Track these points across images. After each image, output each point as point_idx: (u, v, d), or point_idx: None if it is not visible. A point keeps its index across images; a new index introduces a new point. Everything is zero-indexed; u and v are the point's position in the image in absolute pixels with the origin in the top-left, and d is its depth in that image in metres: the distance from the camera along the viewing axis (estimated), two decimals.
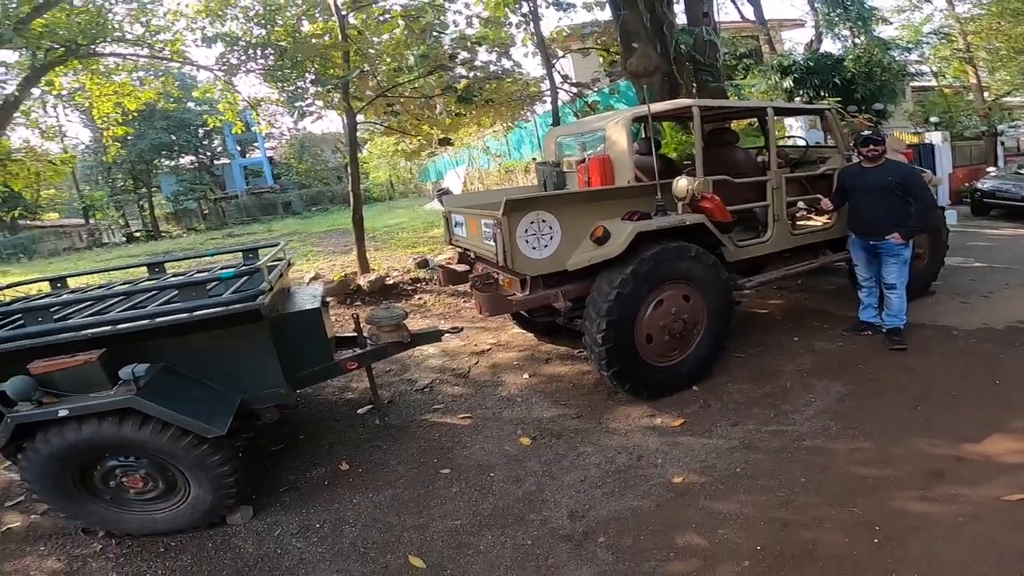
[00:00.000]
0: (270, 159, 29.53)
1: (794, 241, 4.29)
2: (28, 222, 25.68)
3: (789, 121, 10.03)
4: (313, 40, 7.70)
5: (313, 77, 7.67)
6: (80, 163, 24.79)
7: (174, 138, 25.46)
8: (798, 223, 4.76)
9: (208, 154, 27.96)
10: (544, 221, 3.35)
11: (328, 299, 4.03)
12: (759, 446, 2.93)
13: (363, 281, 6.96)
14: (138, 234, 25.08)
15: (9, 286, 3.92)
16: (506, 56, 8.49)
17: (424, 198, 22.69)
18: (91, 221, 25.74)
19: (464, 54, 7.86)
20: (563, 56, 9.28)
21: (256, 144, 29.31)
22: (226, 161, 28.65)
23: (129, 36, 7.76)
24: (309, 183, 27.88)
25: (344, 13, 7.37)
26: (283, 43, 7.64)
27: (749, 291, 4.62)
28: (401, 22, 8.24)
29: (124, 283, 3.73)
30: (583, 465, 2.92)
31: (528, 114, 11.40)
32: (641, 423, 3.29)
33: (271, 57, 7.89)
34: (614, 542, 2.35)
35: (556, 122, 8.18)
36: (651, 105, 3.69)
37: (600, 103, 9.69)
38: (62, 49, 7.11)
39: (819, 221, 4.75)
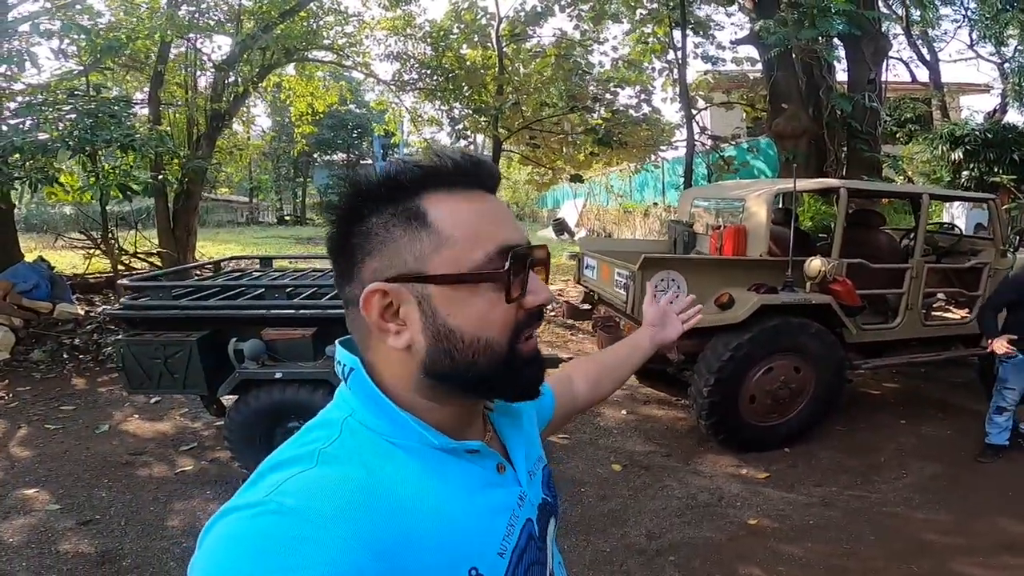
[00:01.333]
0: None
1: (924, 332, 4.24)
2: (205, 194, 30.16)
3: None
4: (478, 70, 8.62)
5: (469, 102, 8.57)
6: (269, 149, 28.74)
7: (332, 136, 28.60)
8: (933, 313, 4.67)
9: (357, 154, 31.00)
10: (673, 280, 3.71)
11: None
12: (837, 505, 3.09)
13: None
14: (288, 218, 28.47)
15: (232, 258, 4.96)
16: (646, 101, 8.90)
17: (538, 224, 23.52)
18: (254, 200, 29.58)
19: (607, 96, 8.37)
20: (705, 108, 9.49)
21: (396, 150, 32.04)
22: (369, 162, 31.60)
23: (330, 44, 9.15)
24: None
25: (503, 45, 8.20)
26: (449, 67, 8.63)
27: (864, 372, 4.60)
28: (553, 62, 8.98)
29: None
30: (666, 496, 3.21)
31: (657, 158, 11.69)
32: (727, 470, 3.52)
33: (437, 79, 8.94)
34: (683, 563, 2.64)
35: (688, 172, 8.40)
36: (798, 181, 3.91)
37: (736, 159, 9.76)
38: (284, 51, 8.66)
39: (957, 314, 4.63)
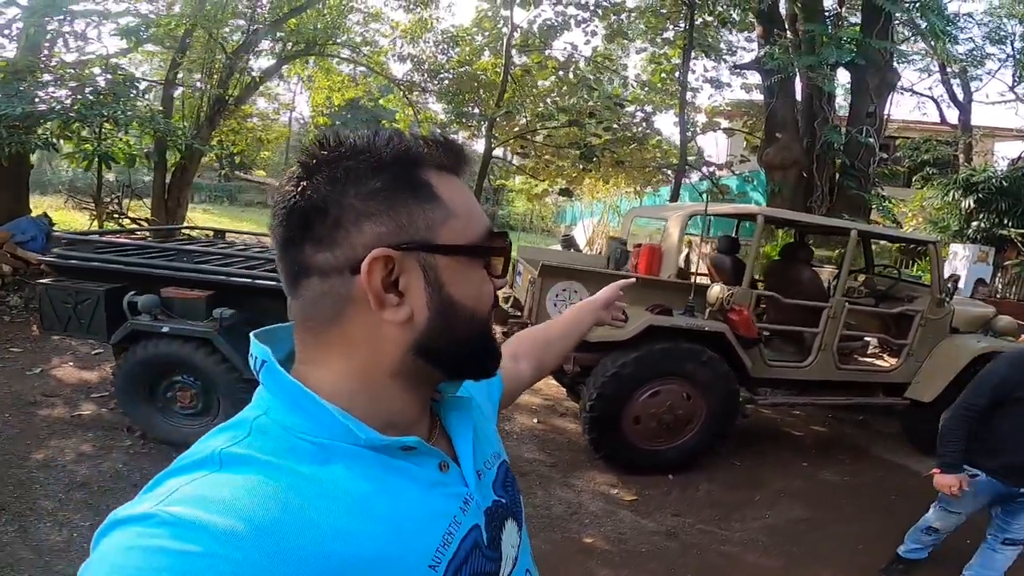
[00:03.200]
0: None
1: (838, 375, 4.12)
2: (240, 174, 31.32)
3: (956, 248, 8.89)
4: (478, 76, 8.81)
5: (461, 107, 8.76)
6: (299, 135, 29.76)
7: (346, 128, 29.31)
8: (862, 357, 4.53)
9: None
10: (576, 292, 3.72)
11: None
12: (680, 537, 3.05)
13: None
14: None
15: (191, 228, 5.20)
16: (646, 121, 8.90)
17: (553, 238, 23.55)
18: None
19: (606, 112, 8.40)
20: (701, 133, 9.42)
21: None
22: None
23: (347, 41, 9.52)
24: None
25: (512, 55, 8.35)
26: (452, 72, 8.85)
27: (768, 407, 4.52)
28: (556, 75, 9.09)
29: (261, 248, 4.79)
30: (524, 503, 3.20)
31: (661, 182, 11.63)
32: (599, 488, 3.49)
33: (445, 82, 9.17)
34: None
35: (675, 197, 8.35)
36: (714, 206, 3.90)
37: (731, 188, 9.65)
38: (303, 45, 9.03)
39: (887, 363, 4.48)
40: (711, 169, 9.53)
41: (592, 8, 8.34)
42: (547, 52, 8.96)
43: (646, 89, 10.07)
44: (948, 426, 2.37)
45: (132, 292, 3.37)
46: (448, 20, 20.02)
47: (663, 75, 9.35)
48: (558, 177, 9.61)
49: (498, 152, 10.72)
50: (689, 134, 9.00)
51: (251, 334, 0.55)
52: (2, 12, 6.49)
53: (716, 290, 3.60)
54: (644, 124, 9.03)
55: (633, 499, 3.40)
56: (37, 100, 5.67)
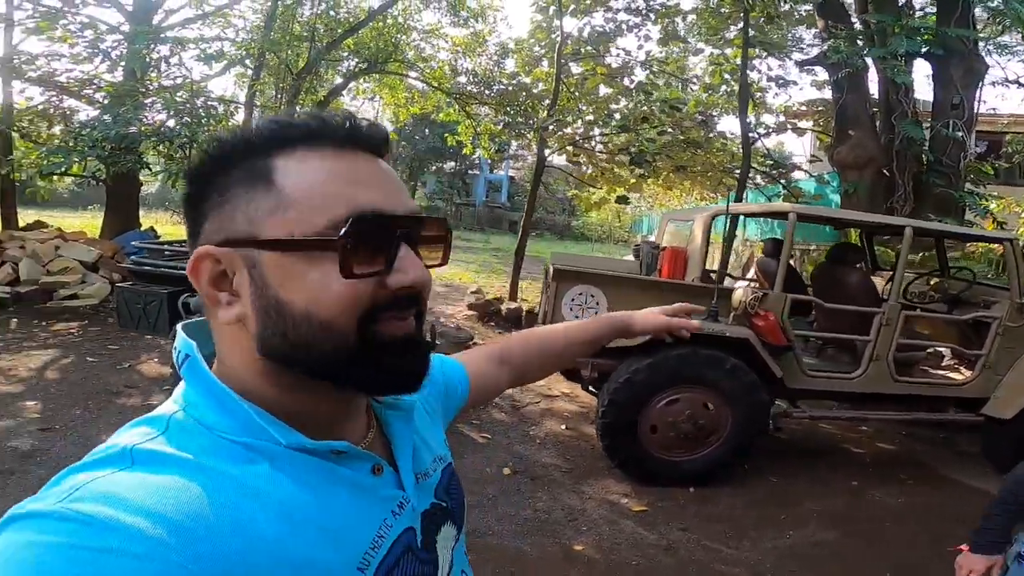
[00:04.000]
0: (511, 178, 33.16)
1: (895, 387, 3.74)
2: None
3: None
4: (530, 88, 8.92)
5: (514, 117, 8.89)
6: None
7: (443, 144, 30.49)
8: (926, 368, 4.09)
9: (465, 163, 32.70)
10: (592, 296, 3.68)
11: None
12: (679, 554, 2.88)
13: (504, 307, 7.84)
14: None
15: None
16: (705, 124, 8.54)
17: (628, 248, 23.11)
18: None
19: (661, 116, 8.19)
20: (768, 134, 8.90)
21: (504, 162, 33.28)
22: (476, 173, 33.11)
23: (407, 60, 10.05)
24: (536, 208, 30.67)
25: (564, 62, 8.38)
26: (505, 83, 9.02)
27: (806, 421, 4.19)
28: (611, 81, 8.99)
29: None
30: (525, 506, 3.20)
31: (730, 188, 11.10)
32: (607, 496, 3.40)
33: (498, 92, 9.38)
34: (473, 564, 2.66)
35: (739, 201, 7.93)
36: (739, 205, 3.72)
37: (804, 191, 9.02)
38: (365, 64, 9.64)
39: (961, 375, 4.01)
40: (780, 171, 8.96)
41: (644, 12, 8.21)
42: (602, 59, 8.92)
43: (709, 91, 9.70)
44: (1001, 497, 1.77)
45: (186, 294, 3.78)
46: (505, 32, 20.42)
47: (724, 76, 8.96)
48: (615, 185, 9.46)
49: (560, 161, 10.74)
50: (754, 135, 8.54)
51: (178, 326, 0.53)
52: (103, 38, 7.45)
53: (740, 293, 3.43)
54: (704, 127, 8.67)
55: (641, 509, 3.28)
56: (137, 123, 6.46)
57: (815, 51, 8.43)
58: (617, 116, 8.25)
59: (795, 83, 8.41)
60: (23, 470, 3.11)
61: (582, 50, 8.62)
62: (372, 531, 0.50)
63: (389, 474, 0.55)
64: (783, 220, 4.91)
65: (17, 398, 4.14)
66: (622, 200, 9.27)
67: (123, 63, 7.70)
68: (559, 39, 8.15)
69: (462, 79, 9.57)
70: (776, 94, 9.04)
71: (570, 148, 8.71)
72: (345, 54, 8.98)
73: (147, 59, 7.53)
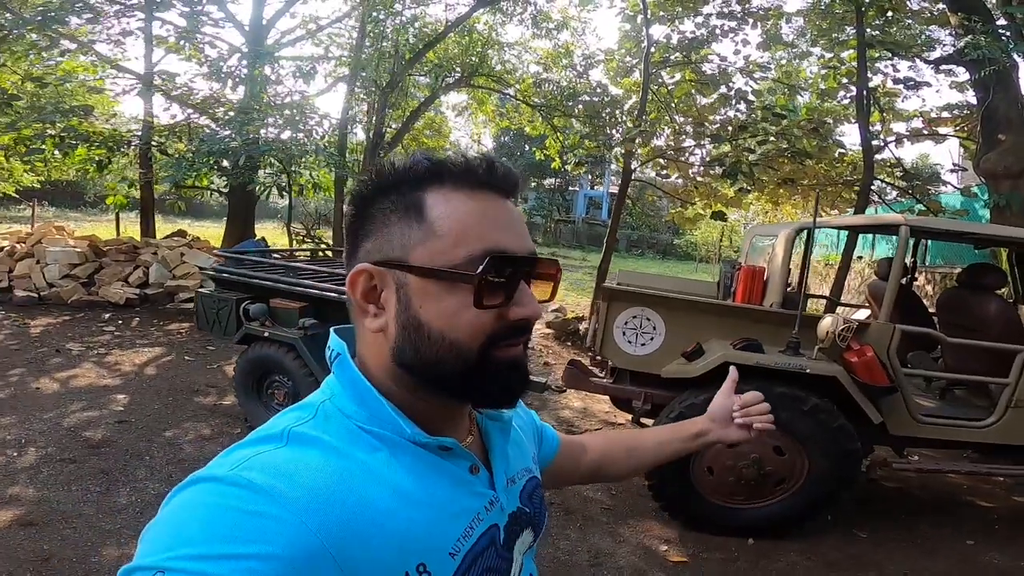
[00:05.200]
0: (613, 194, 32.53)
1: None
2: None
3: None
4: (620, 95, 8.58)
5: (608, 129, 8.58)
6: None
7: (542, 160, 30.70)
8: None
9: (565, 180, 32.64)
10: (649, 319, 3.30)
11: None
12: None
13: (583, 327, 7.50)
14: None
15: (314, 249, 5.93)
16: (815, 132, 7.62)
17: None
18: None
19: (761, 125, 7.45)
20: (893, 140, 7.77)
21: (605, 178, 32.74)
22: (576, 189, 32.91)
23: (492, 73, 10.20)
24: (638, 226, 29.67)
25: (652, 71, 7.97)
26: (589, 94, 8.77)
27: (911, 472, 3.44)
28: (704, 89, 8.38)
29: None
30: (550, 542, 2.88)
31: (851, 203, 9.86)
32: (646, 541, 2.98)
33: (580, 105, 9.17)
34: None
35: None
36: (828, 219, 3.16)
37: (946, 206, 7.75)
38: (454, 78, 9.92)
39: None
40: (915, 184, 7.77)
41: (740, 16, 7.56)
42: (696, 66, 8.36)
43: (824, 98, 8.73)
44: None
45: (247, 301, 3.94)
46: (594, 44, 20.04)
47: (842, 81, 7.99)
48: (712, 200, 8.77)
49: (654, 175, 10.25)
50: (878, 144, 7.50)
51: (331, 329, 0.62)
52: (224, 58, 8.25)
53: (827, 322, 2.87)
54: (816, 135, 7.75)
55: (681, 560, 2.83)
56: (254, 138, 7.05)
57: (949, 50, 7.26)
58: (699, 124, 7.63)
59: (928, 85, 7.17)
60: (84, 459, 3.36)
61: (671, 58, 8.14)
62: (465, 522, 0.56)
63: (484, 475, 0.61)
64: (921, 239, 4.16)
65: (111, 391, 4.56)
66: (718, 216, 8.55)
67: (242, 83, 8.51)
68: (646, 47, 7.77)
69: (547, 91, 9.46)
70: (906, 97, 7.87)
71: (660, 161, 8.24)
72: (427, 68, 9.26)
73: (261, 78, 8.27)
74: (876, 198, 8.50)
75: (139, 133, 8.47)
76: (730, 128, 7.66)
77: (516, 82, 10.15)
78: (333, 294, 3.72)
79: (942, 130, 8.15)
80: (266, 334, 3.74)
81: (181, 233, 10.07)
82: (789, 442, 2.91)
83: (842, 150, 8.49)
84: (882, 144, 7.43)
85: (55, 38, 7.66)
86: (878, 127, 7.72)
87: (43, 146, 7.58)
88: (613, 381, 3.46)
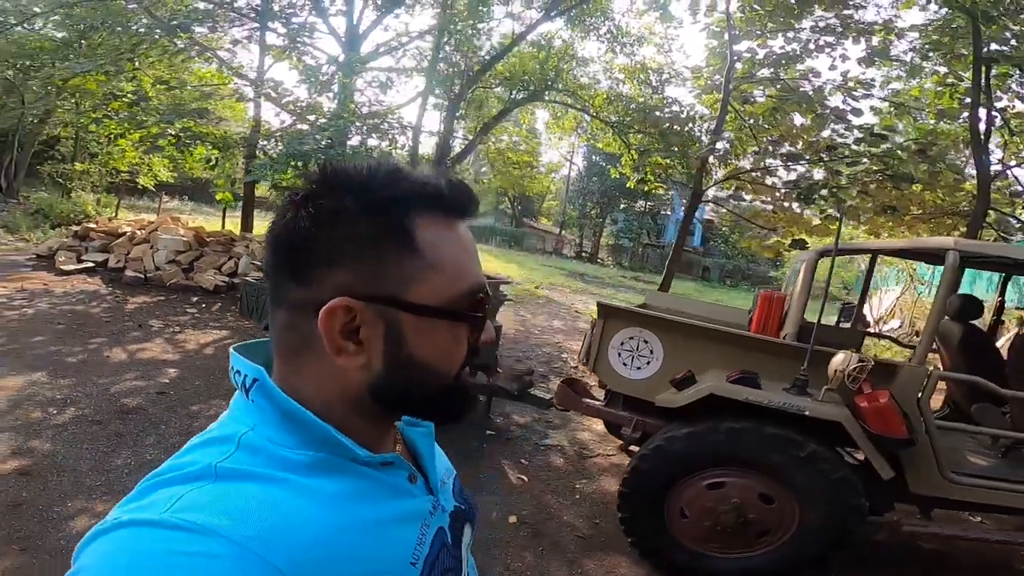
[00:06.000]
0: (709, 221, 31.02)
1: None
2: (528, 221, 35.67)
3: None
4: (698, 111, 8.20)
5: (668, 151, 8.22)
6: (575, 185, 32.34)
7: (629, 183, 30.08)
8: None
9: (655, 202, 31.66)
10: (647, 342, 3.07)
11: None
12: None
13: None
14: (584, 254, 31.08)
15: None
16: (922, 155, 6.73)
17: (836, 306, 19.49)
18: (562, 233, 33.39)
19: (852, 146, 6.70)
20: (1016, 166, 6.67)
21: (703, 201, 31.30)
22: (669, 213, 31.79)
23: (566, 88, 10.19)
24: (735, 255, 28.03)
25: (732, 87, 7.52)
26: (663, 110, 8.46)
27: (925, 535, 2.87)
28: (801, 116, 7.75)
29: None
30: (501, 562, 2.73)
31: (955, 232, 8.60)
32: None
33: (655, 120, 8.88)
34: None
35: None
36: (848, 244, 2.76)
37: None
38: (527, 92, 10.04)
39: None
40: None
41: (839, 31, 6.89)
42: (790, 83, 7.76)
43: (941, 118, 7.74)
44: None
45: None
46: (681, 61, 19.30)
47: (961, 99, 7.01)
48: (793, 226, 8.04)
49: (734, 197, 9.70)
50: (997, 167, 6.50)
51: (232, 349, 0.57)
52: (321, 66, 8.90)
53: (838, 360, 2.50)
54: (924, 158, 6.86)
55: None
56: (339, 143, 7.56)
57: None
58: (774, 142, 7.04)
59: None
60: (108, 422, 3.72)
61: (756, 74, 7.63)
62: (416, 530, 0.56)
63: (420, 481, 0.60)
64: None
65: (167, 365, 5.04)
66: (797, 244, 7.83)
67: (335, 92, 9.18)
68: (727, 62, 7.35)
69: (619, 106, 9.27)
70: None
71: (741, 181, 7.70)
72: (497, 82, 9.40)
73: (351, 87, 8.87)
74: (998, 231, 7.36)
75: (247, 136, 9.42)
76: (814, 148, 7.01)
77: (589, 98, 10.05)
78: None
79: None
80: None
81: None
82: (779, 490, 2.55)
83: (958, 176, 7.47)
84: (1001, 169, 6.40)
85: (186, 45, 8.71)
86: (999, 152, 6.69)
87: (163, 144, 8.62)
88: (607, 404, 3.25)
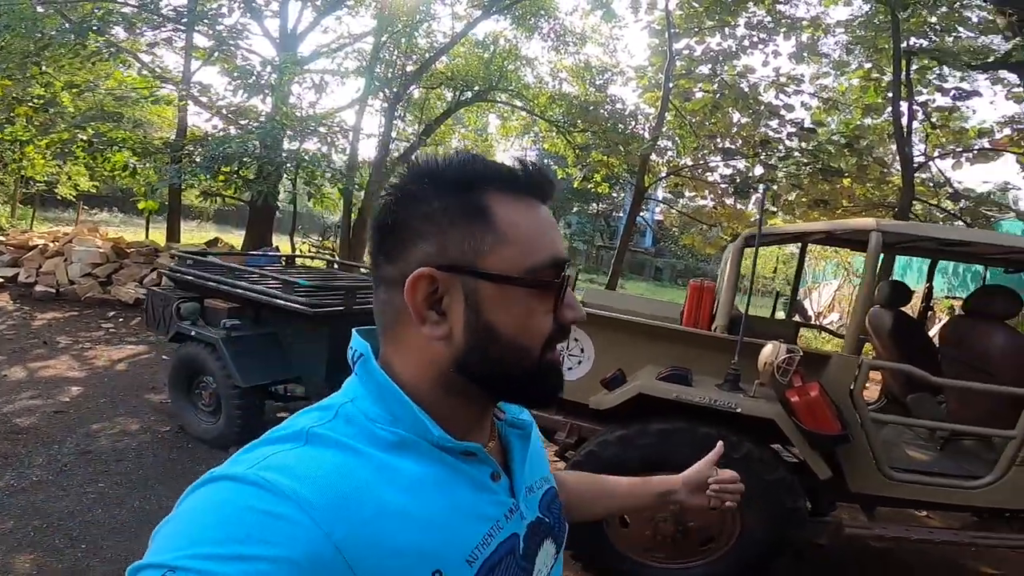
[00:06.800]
0: (660, 222, 31.61)
1: None
2: None
3: None
4: (630, 115, 8.22)
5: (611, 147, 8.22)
6: None
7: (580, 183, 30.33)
8: None
9: (610, 204, 32.03)
10: (577, 340, 2.90)
11: None
12: None
13: None
14: None
15: (290, 257, 5.87)
16: (849, 149, 6.92)
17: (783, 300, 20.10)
18: None
19: (791, 142, 6.83)
20: (937, 157, 6.95)
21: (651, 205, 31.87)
22: (621, 215, 32.23)
23: (506, 88, 10.09)
24: (684, 255, 28.60)
25: (671, 85, 7.56)
26: (604, 107, 8.44)
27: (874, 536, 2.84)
28: (740, 113, 7.86)
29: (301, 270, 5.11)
30: None
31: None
32: None
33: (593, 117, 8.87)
34: None
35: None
36: (769, 227, 2.69)
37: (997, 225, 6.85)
38: (471, 93, 9.86)
39: None
40: (965, 206, 6.92)
41: (771, 27, 7.03)
42: (727, 81, 7.87)
43: (869, 113, 8.00)
44: None
45: (179, 300, 3.84)
46: (625, 60, 19.53)
47: (885, 94, 7.26)
48: (735, 221, 8.15)
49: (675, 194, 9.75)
50: (920, 159, 6.73)
51: (354, 330, 0.60)
52: (253, 68, 8.48)
53: (767, 351, 2.39)
54: (851, 152, 7.05)
55: None
56: (270, 147, 7.18)
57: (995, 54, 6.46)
58: (710, 137, 7.12)
59: (978, 95, 6.39)
60: None
61: (694, 71, 7.70)
62: (484, 529, 0.56)
63: (504, 482, 0.60)
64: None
65: (70, 383, 4.58)
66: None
67: (269, 94, 8.76)
68: (667, 59, 7.39)
69: (561, 105, 9.22)
70: (953, 110, 7.04)
71: (673, 178, 7.75)
72: (438, 82, 9.19)
73: (286, 89, 8.48)
74: (925, 221, 7.66)
75: (170, 141, 8.87)
76: (750, 144, 7.11)
77: (534, 97, 9.96)
78: (266, 297, 3.58)
79: (999, 146, 7.24)
80: (192, 333, 3.62)
81: (216, 241, 10.41)
82: None
83: (884, 169, 7.73)
84: (924, 160, 6.64)
85: (102, 46, 8.11)
86: (922, 145, 6.94)
87: (75, 150, 7.99)
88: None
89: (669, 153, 7.80)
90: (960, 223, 6.83)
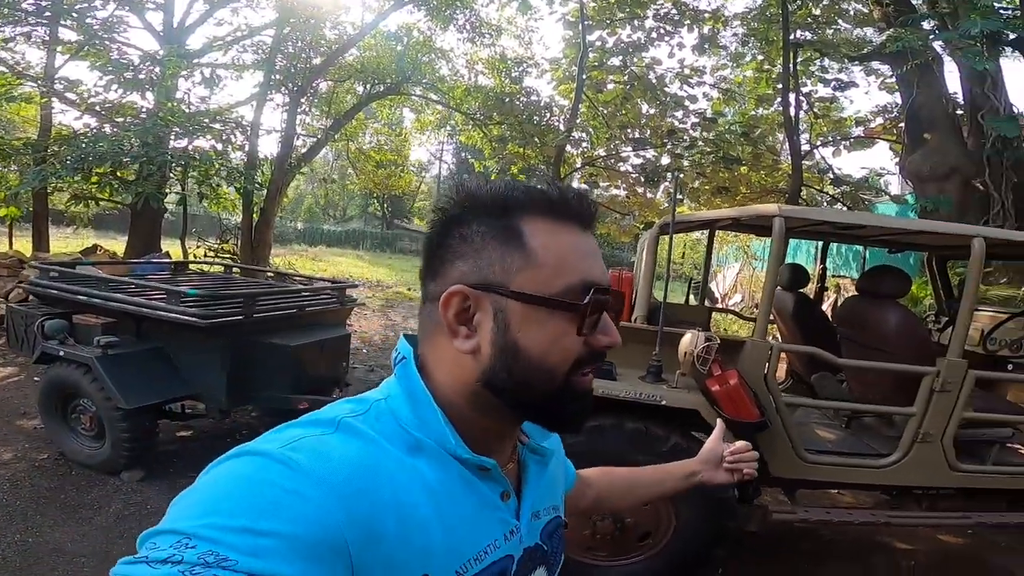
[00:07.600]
0: None
1: (953, 480, 2.53)
2: (399, 222, 34.45)
3: None
4: (544, 108, 8.24)
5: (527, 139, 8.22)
6: (447, 183, 31.91)
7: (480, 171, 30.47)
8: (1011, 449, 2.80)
9: None
10: None
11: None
12: None
13: None
14: None
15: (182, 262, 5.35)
16: (746, 138, 7.32)
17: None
18: None
19: (693, 133, 7.12)
20: (821, 145, 7.54)
21: None
22: None
23: (419, 81, 9.79)
24: (601, 245, 29.38)
25: (584, 76, 7.62)
26: (519, 99, 8.41)
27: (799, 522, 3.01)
28: (649, 105, 8.08)
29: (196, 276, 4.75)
30: None
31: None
32: None
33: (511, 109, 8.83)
34: None
35: None
36: (683, 212, 2.72)
37: (873, 207, 7.53)
38: (383, 86, 9.46)
39: None
40: (846, 190, 7.52)
41: (675, 19, 7.29)
42: (637, 72, 8.06)
43: (762, 103, 8.51)
44: None
45: (44, 318, 3.33)
46: (541, 53, 19.53)
47: (778, 86, 7.75)
48: (646, 210, 8.41)
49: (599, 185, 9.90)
50: (806, 147, 7.25)
51: (402, 334, 0.64)
52: (132, 62, 7.65)
53: (686, 340, 2.40)
54: (748, 141, 7.46)
55: None
56: (152, 144, 6.46)
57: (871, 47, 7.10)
58: (622, 127, 7.30)
59: (855, 85, 6.99)
60: None
61: (606, 63, 7.82)
62: (481, 544, 0.57)
63: (512, 503, 0.62)
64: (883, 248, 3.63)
65: None
66: (650, 227, 8.21)
67: (152, 89, 7.94)
68: (581, 51, 7.45)
69: (477, 97, 9.08)
70: (834, 99, 7.64)
71: (588, 169, 7.87)
72: (347, 75, 8.75)
73: (171, 84, 7.71)
74: (811, 206, 8.29)
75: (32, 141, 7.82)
76: (658, 134, 7.35)
77: (448, 90, 9.73)
78: (148, 310, 3.16)
79: (873, 134, 7.97)
80: (61, 353, 3.14)
81: (96, 248, 9.26)
82: None
83: (776, 157, 8.25)
84: (809, 148, 7.16)
85: None
86: (806, 133, 7.49)
87: None
88: None
89: (583, 144, 7.89)
90: (840, 206, 7.43)
